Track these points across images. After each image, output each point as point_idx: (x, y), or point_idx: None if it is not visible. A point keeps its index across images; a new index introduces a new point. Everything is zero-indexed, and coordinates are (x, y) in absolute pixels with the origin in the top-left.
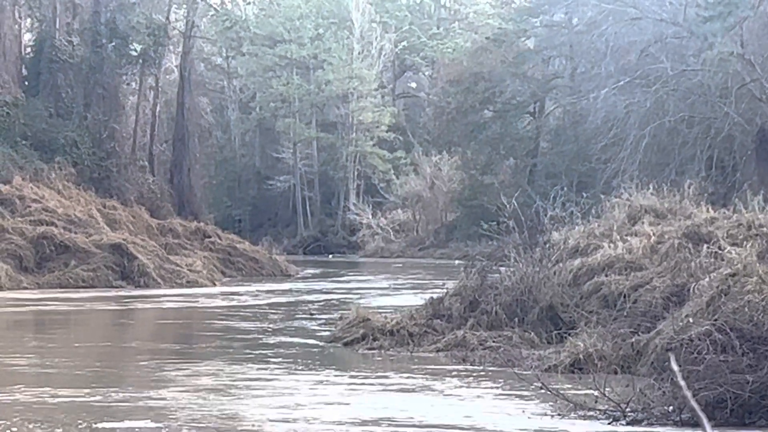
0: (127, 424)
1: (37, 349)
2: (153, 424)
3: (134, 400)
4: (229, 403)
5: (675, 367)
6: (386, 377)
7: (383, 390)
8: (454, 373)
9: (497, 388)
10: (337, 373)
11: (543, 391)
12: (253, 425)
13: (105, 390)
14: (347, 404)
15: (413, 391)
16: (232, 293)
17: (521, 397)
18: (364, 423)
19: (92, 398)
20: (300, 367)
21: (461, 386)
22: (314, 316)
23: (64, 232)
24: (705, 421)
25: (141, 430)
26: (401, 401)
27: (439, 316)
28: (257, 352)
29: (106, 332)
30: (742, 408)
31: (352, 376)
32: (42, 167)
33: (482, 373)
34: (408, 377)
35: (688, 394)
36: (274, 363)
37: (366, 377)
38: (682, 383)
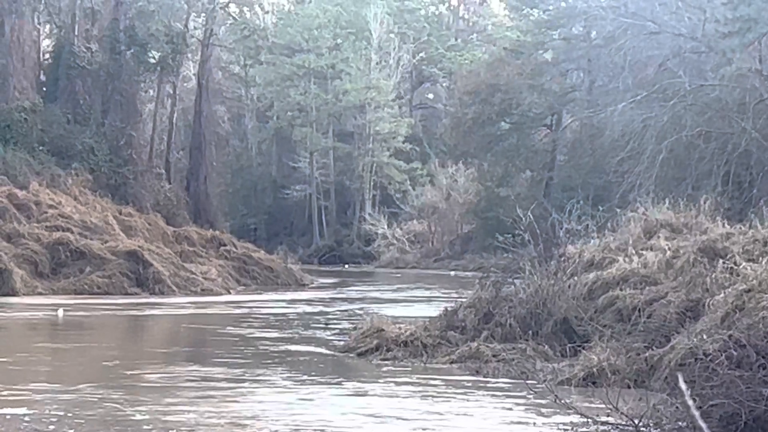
0: (3, 411)
1: (25, 350)
2: (26, 411)
3: (46, 392)
4: (145, 400)
5: (683, 385)
6: (397, 387)
7: (393, 398)
8: (467, 384)
9: (510, 400)
10: (338, 379)
11: (556, 404)
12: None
13: (36, 384)
14: (321, 408)
15: (423, 401)
16: (247, 302)
17: (534, 410)
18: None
19: (14, 390)
20: (286, 373)
21: (474, 398)
22: (329, 326)
23: (79, 238)
24: None
25: (11, 416)
26: (410, 411)
27: (453, 328)
28: (260, 359)
29: (107, 336)
30: (757, 423)
31: (355, 383)
32: (59, 173)
33: (495, 385)
34: (419, 388)
35: (696, 413)
36: (268, 368)
37: (373, 386)
38: (690, 402)
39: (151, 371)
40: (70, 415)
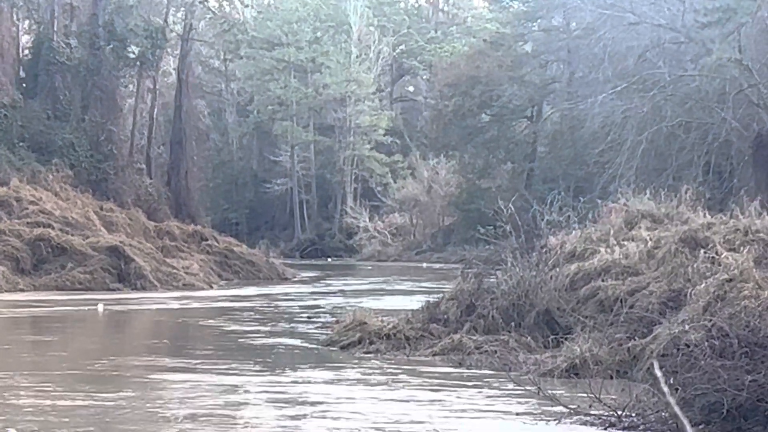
0: None
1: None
2: None
3: None
4: (58, 388)
5: (658, 372)
6: (380, 380)
7: (378, 393)
8: (450, 377)
9: (493, 392)
10: (288, 369)
11: (539, 395)
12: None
13: None
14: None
15: (407, 394)
16: (229, 296)
17: (517, 401)
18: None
19: None
20: (246, 364)
21: (456, 390)
22: (311, 319)
23: (61, 234)
24: (688, 426)
25: None
26: (394, 406)
27: (435, 320)
28: (232, 351)
29: (87, 330)
30: (739, 411)
31: (307, 372)
32: (39, 169)
33: (478, 377)
34: (403, 381)
35: (672, 400)
36: (232, 359)
37: (360, 380)
38: (666, 389)
39: (103, 362)
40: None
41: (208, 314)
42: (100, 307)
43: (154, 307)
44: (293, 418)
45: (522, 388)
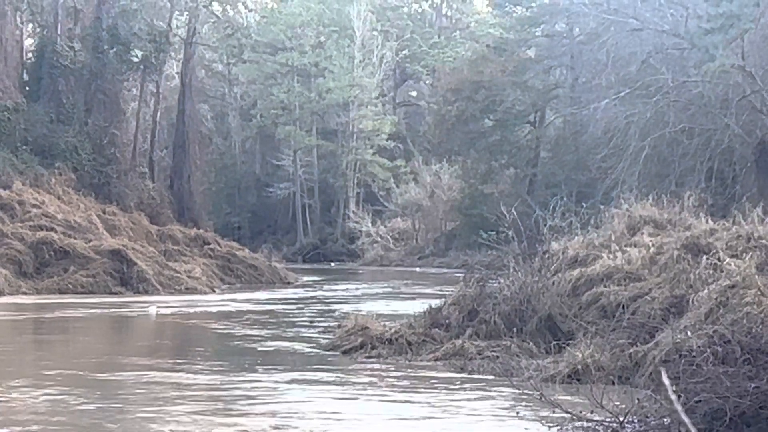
0: None
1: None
2: None
3: None
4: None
5: (666, 381)
6: (382, 385)
7: (380, 397)
8: (452, 382)
9: (495, 397)
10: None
11: (540, 401)
12: None
13: None
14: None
15: (409, 398)
16: (231, 300)
17: (519, 407)
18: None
19: None
20: (222, 364)
21: (458, 395)
22: (314, 324)
23: (63, 237)
24: None
25: None
26: (396, 409)
27: (437, 325)
28: (224, 354)
29: (85, 333)
30: (741, 419)
31: (284, 374)
32: (42, 172)
33: (480, 382)
34: (404, 386)
35: (679, 407)
36: (217, 360)
37: (360, 385)
38: (674, 397)
39: (85, 363)
40: None
41: (212, 318)
42: (153, 310)
43: (157, 310)
44: (204, 413)
45: (524, 393)
